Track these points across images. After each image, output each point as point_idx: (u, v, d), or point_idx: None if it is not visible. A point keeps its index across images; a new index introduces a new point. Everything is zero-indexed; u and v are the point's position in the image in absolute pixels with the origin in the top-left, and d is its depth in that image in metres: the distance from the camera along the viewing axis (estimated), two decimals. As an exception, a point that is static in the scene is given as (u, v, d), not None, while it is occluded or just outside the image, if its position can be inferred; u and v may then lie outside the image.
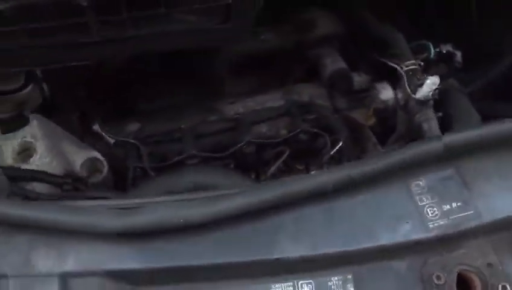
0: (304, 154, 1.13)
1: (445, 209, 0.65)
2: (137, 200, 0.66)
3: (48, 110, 1.10)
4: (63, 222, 0.59)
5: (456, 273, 0.62)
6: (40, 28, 0.74)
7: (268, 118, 1.11)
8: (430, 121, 1.00)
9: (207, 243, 0.61)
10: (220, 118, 1.11)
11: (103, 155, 1.04)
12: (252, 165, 1.13)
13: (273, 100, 1.13)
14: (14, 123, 1.03)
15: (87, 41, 0.81)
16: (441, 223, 0.64)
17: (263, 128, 1.12)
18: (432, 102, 1.02)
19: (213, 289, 0.60)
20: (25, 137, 0.99)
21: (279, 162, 1.09)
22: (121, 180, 1.05)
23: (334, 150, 1.09)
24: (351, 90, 1.10)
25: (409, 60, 1.00)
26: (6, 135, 1.01)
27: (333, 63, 1.10)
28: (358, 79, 1.10)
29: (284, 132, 1.11)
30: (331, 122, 1.10)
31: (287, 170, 1.14)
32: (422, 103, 0.99)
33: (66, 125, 1.05)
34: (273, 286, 0.61)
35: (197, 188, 0.87)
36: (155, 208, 0.64)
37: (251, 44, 1.13)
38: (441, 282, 0.61)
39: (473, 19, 1.12)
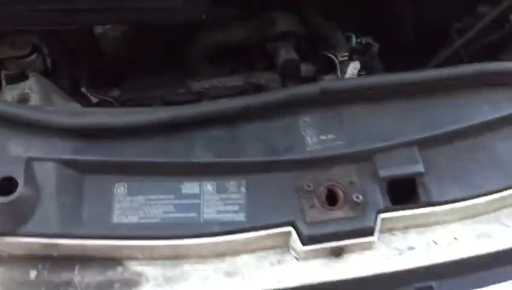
0: None
1: (321, 138, 0.86)
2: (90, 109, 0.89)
3: (47, 75, 1.36)
4: (29, 117, 0.82)
5: (326, 187, 0.84)
6: None
7: (228, 95, 1.35)
8: None
9: (139, 145, 0.84)
10: (186, 91, 1.35)
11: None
12: None
13: (234, 81, 1.37)
14: (17, 78, 1.28)
15: (76, 9, 1.07)
16: (317, 148, 0.85)
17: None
18: None
19: (140, 181, 0.82)
20: (23, 89, 1.23)
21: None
22: None
23: None
24: (299, 77, 1.34)
25: (343, 49, 1.24)
26: (9, 86, 1.26)
27: (286, 54, 1.34)
28: (305, 68, 1.34)
29: (241, 107, 1.34)
30: None
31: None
32: None
33: (59, 85, 1.30)
34: (184, 182, 0.83)
35: None
36: (99, 112, 0.87)
37: (223, 36, 1.37)
38: (311, 189, 0.83)
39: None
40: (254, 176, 0.83)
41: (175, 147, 0.83)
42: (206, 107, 0.85)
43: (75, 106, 1.23)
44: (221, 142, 0.84)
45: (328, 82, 0.94)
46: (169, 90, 1.35)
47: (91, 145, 0.81)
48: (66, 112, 0.89)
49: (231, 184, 0.82)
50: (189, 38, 1.32)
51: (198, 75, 1.39)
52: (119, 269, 0.77)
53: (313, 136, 0.85)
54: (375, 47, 1.24)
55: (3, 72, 1.26)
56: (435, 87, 0.92)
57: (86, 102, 1.31)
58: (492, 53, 1.30)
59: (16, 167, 0.79)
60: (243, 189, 0.82)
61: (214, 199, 0.81)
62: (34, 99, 1.20)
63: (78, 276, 0.75)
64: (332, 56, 1.24)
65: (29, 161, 0.80)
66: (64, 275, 0.76)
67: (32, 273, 0.76)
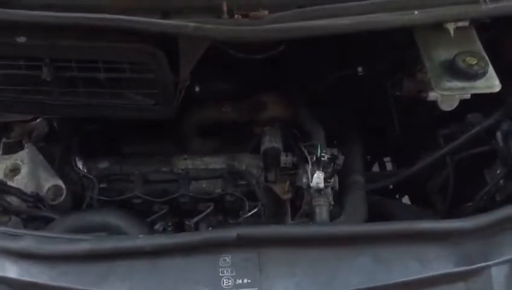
0: (230, 212, 1.55)
1: (237, 282, 0.96)
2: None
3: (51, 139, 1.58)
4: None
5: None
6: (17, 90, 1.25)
7: (205, 178, 1.53)
8: (322, 207, 1.31)
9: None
10: (169, 170, 1.57)
11: (72, 184, 1.50)
12: (186, 212, 1.54)
13: (216, 163, 1.54)
14: (13, 148, 1.53)
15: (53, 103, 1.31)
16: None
17: (203, 184, 1.52)
18: (329, 190, 1.34)
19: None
20: (16, 160, 1.47)
21: (202, 215, 1.48)
22: (79, 205, 1.50)
23: (250, 213, 1.46)
24: (278, 166, 1.52)
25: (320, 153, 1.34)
26: (4, 155, 1.49)
27: (269, 141, 1.50)
28: (284, 158, 1.50)
29: (218, 190, 1.50)
30: (255, 191, 1.51)
31: (221, 221, 1.52)
32: (317, 190, 1.33)
33: (49, 156, 1.51)
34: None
35: (105, 227, 1.30)
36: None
37: (213, 113, 1.57)
38: None
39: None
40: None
41: (92, 275, 0.99)
42: (126, 243, 1.03)
43: (56, 182, 1.46)
44: (141, 276, 0.98)
45: (245, 228, 1.08)
46: (154, 166, 1.56)
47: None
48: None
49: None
50: (184, 112, 1.51)
51: (189, 146, 1.58)
52: None
53: (230, 278, 0.97)
54: (340, 159, 1.38)
55: (3, 141, 1.50)
56: (362, 240, 1.02)
57: (73, 173, 1.54)
58: (477, 166, 1.40)
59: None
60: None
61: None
62: (23, 170, 1.45)
63: None
64: (307, 155, 1.40)
65: None
66: None
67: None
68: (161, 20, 1.09)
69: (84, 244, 1.00)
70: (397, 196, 1.74)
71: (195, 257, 1.00)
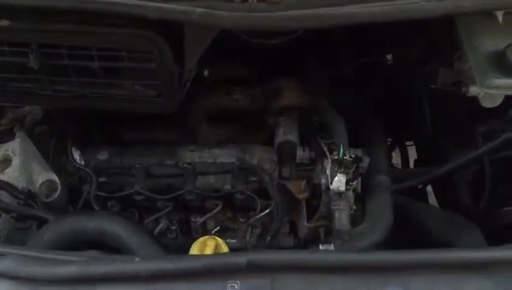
0: (239, 210, 1.42)
1: None
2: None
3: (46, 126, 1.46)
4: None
5: None
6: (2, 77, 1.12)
7: (214, 172, 1.42)
8: (342, 212, 1.19)
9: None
10: (174, 163, 1.43)
11: (68, 177, 1.37)
12: (192, 210, 1.44)
13: (225, 156, 1.42)
14: (4, 137, 1.39)
15: (43, 93, 1.17)
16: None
17: (211, 179, 1.39)
18: (350, 193, 1.22)
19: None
20: (7, 150, 1.33)
21: (210, 215, 1.37)
22: (76, 201, 1.37)
23: (262, 214, 1.36)
24: (294, 161, 1.38)
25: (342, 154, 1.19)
26: (-6, 145, 1.31)
27: (284, 134, 1.36)
28: (300, 153, 1.36)
29: (228, 186, 1.38)
30: (268, 189, 1.38)
31: (230, 220, 1.40)
32: (337, 193, 1.19)
33: (43, 146, 1.38)
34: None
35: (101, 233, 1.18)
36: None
37: (223, 100, 1.41)
38: None
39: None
40: None
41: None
42: (119, 267, 0.90)
43: (50, 176, 1.32)
44: None
45: (256, 254, 0.94)
46: (157, 159, 1.43)
47: None
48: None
49: None
50: (192, 98, 1.37)
51: (196, 134, 1.43)
52: None
53: None
54: (365, 162, 1.23)
55: (-8, 129, 1.33)
56: (390, 269, 0.90)
57: (70, 165, 1.41)
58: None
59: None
60: None
61: None
62: (14, 163, 1.31)
63: None
64: (327, 152, 1.25)
65: None
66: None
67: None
68: (162, 4, 0.92)
69: (72, 267, 0.86)
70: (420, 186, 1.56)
71: (200, 282, 0.88)
